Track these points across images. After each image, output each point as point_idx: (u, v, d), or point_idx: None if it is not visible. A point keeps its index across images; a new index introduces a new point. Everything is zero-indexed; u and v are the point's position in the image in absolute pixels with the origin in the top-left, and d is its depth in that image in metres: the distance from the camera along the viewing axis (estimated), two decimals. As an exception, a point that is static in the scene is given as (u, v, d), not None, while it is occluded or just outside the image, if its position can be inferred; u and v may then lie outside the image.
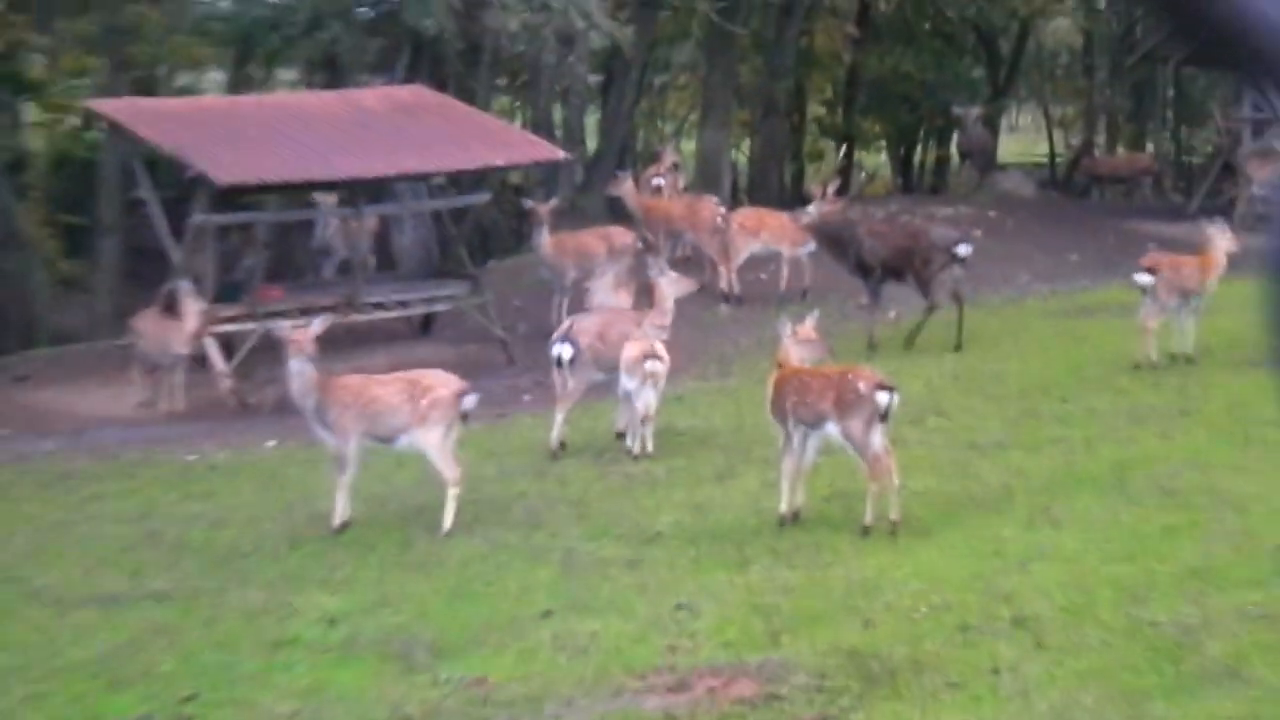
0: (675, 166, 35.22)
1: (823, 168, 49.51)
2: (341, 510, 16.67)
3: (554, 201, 28.75)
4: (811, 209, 26.47)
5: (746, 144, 46.04)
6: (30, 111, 43.20)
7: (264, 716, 11.81)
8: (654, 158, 34.87)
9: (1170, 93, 49.59)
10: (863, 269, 25.66)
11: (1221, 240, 22.01)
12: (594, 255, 27.15)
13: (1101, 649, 11.44)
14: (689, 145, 45.92)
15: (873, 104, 49.13)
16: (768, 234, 29.40)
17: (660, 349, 19.14)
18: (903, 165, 51.00)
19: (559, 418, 19.68)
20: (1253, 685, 10.46)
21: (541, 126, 37.61)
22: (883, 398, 15.15)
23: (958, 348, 24.38)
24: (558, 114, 41.06)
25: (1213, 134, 44.92)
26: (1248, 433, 17.52)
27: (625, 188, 31.79)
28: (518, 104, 43.48)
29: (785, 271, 29.43)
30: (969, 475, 17.14)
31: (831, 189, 27.87)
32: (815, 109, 50.63)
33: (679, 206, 31.40)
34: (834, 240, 25.99)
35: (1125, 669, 10.96)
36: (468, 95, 34.55)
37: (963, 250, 25.05)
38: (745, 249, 29.41)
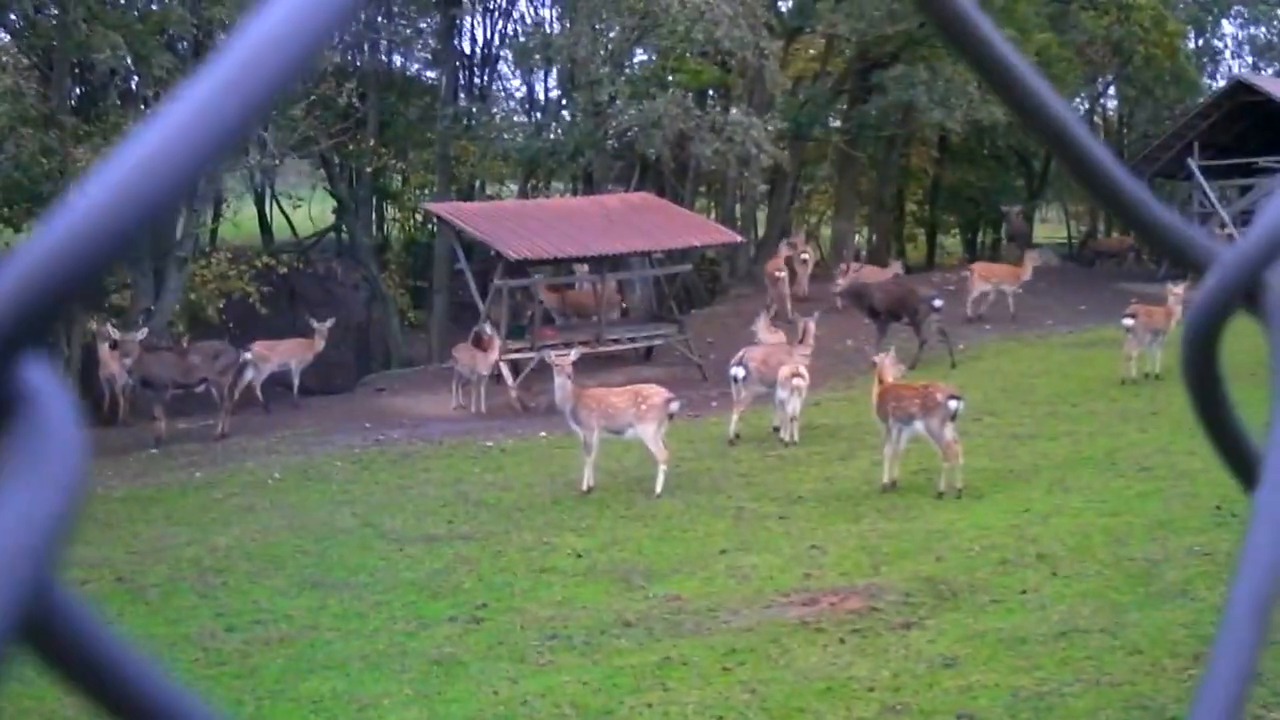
0: (806, 239, 35.37)
1: (916, 247, 49.64)
2: (587, 479, 16.70)
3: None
4: (841, 280, 26.68)
5: (865, 230, 45.77)
6: (390, 211, 43.85)
7: (532, 618, 11.87)
8: (795, 242, 34.57)
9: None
10: (873, 314, 25.80)
11: (1178, 296, 22.27)
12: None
13: (1096, 576, 11.62)
14: (826, 231, 45.79)
15: (949, 203, 49.01)
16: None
17: (804, 369, 19.02)
18: (968, 245, 50.98)
19: (735, 417, 19.56)
20: (1198, 601, 10.58)
21: (727, 219, 37.43)
22: (953, 404, 15.19)
23: (953, 366, 24.13)
24: (738, 210, 40.85)
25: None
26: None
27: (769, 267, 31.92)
28: (712, 204, 43.29)
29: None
30: (1010, 456, 17.10)
31: (854, 267, 28.07)
32: (910, 206, 50.40)
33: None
34: (856, 295, 26.33)
35: (1111, 589, 11.06)
36: (678, 198, 34.53)
37: (938, 303, 25.43)
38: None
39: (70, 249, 0.47)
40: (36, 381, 0.49)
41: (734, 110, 33.53)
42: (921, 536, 13.46)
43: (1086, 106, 47.76)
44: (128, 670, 0.54)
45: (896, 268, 31.65)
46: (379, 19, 38.38)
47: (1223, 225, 32.92)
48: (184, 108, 0.49)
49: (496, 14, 42.44)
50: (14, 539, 0.45)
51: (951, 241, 52.93)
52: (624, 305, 28.95)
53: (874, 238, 44.32)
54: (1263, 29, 51.88)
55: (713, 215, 38.67)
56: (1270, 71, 46.57)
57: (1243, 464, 0.90)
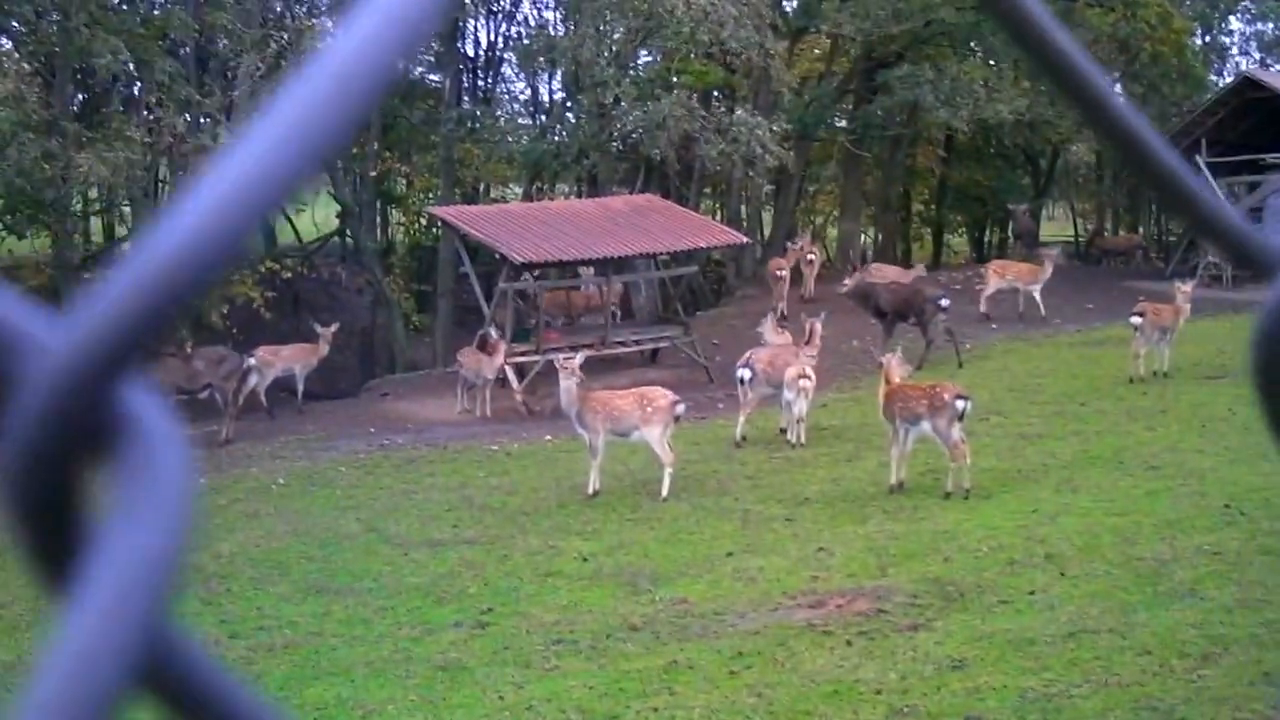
0: (813, 240, 35.37)
1: (922, 246, 49.63)
2: (593, 483, 16.69)
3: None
4: (848, 281, 26.57)
5: (871, 230, 45.77)
6: (395, 216, 43.86)
7: (537, 623, 11.85)
8: (800, 243, 34.46)
9: (1154, 193, 49.09)
10: (879, 315, 25.78)
11: (1186, 294, 22.38)
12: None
13: (1104, 576, 11.60)
14: (832, 232, 45.75)
15: (955, 202, 48.97)
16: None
17: (810, 371, 19.00)
18: (975, 244, 50.90)
19: (741, 419, 19.55)
20: (1207, 601, 10.59)
21: (732, 220, 37.41)
22: (960, 404, 15.19)
23: (960, 365, 24.15)
24: (744, 211, 40.84)
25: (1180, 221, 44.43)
26: (1205, 425, 17.66)
27: (771, 266, 31.99)
28: (717, 205, 43.25)
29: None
30: (1018, 456, 17.08)
31: (874, 268, 27.99)
32: (917, 206, 50.36)
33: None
34: (862, 296, 26.12)
35: (1119, 589, 11.03)
36: (683, 200, 34.56)
37: (944, 303, 25.40)
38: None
39: (175, 264, 0.45)
40: (141, 406, 0.47)
41: (739, 111, 33.51)
42: (929, 538, 13.43)
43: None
44: (241, 712, 0.53)
45: (919, 270, 31.54)
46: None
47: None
48: (280, 121, 0.47)
49: (500, 16, 42.42)
50: (128, 578, 0.44)
51: (958, 241, 52.90)
52: (613, 306, 28.78)
53: (880, 238, 44.30)
54: (1270, 25, 51.78)
55: (718, 216, 38.60)
56: (1278, 68, 46.44)
57: None
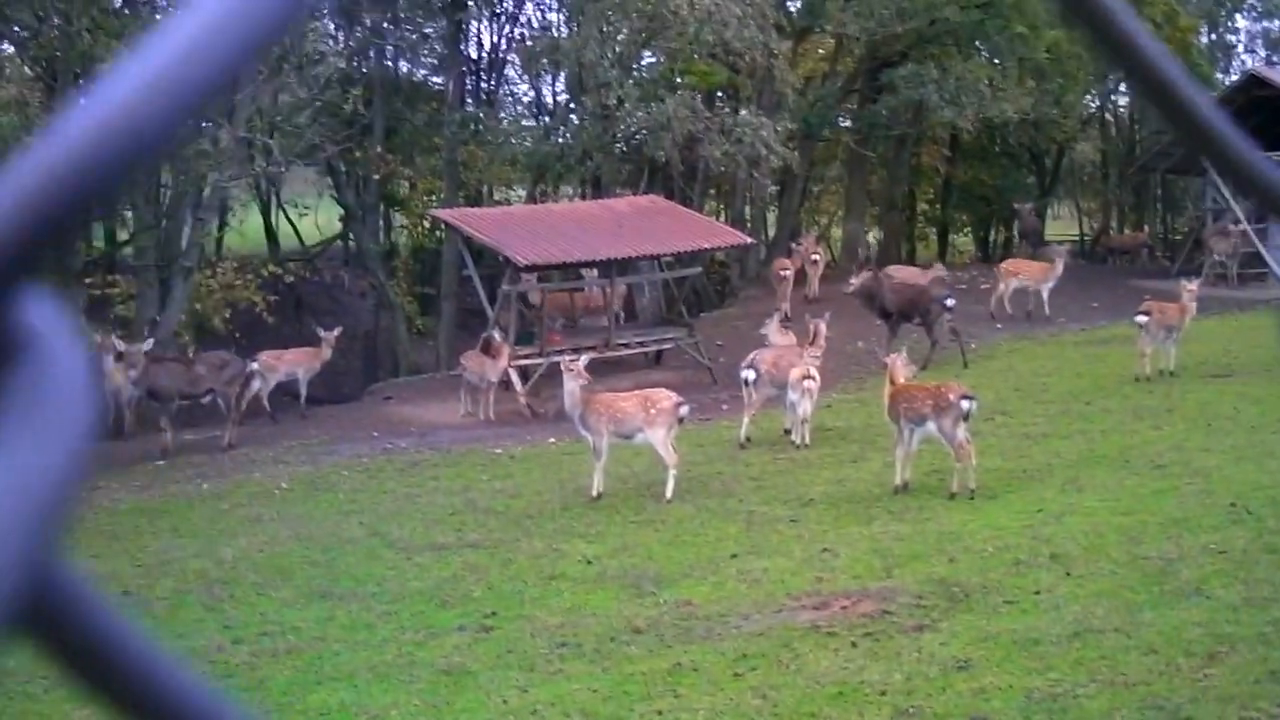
0: (817, 241, 35.42)
1: (927, 245, 49.62)
2: (597, 485, 16.70)
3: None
4: (854, 280, 26.45)
5: (876, 230, 45.79)
6: (398, 218, 43.87)
7: (541, 626, 11.86)
8: (804, 244, 34.45)
9: (1159, 191, 49.63)
10: (884, 315, 25.76)
11: (1192, 292, 22.37)
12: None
13: (1110, 575, 11.59)
14: (836, 232, 45.79)
15: (960, 202, 49.00)
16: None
17: (815, 372, 19.01)
18: (980, 244, 50.94)
19: (746, 420, 19.56)
20: (1213, 600, 10.55)
21: (736, 221, 37.44)
22: (965, 404, 15.18)
23: (965, 365, 24.16)
24: (748, 212, 40.86)
25: (1187, 219, 44.70)
26: (1211, 424, 17.60)
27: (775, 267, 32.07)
28: (721, 206, 43.23)
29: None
30: (1023, 456, 17.09)
31: (865, 266, 27.89)
32: (921, 206, 50.39)
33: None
34: (868, 296, 25.96)
35: (1125, 589, 11.03)
36: (686, 201, 34.56)
37: (950, 302, 25.33)
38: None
39: (76, 167, 0.43)
40: (40, 320, 0.44)
41: (743, 111, 33.57)
42: (934, 538, 13.43)
43: (1098, 104, 47.74)
44: (135, 659, 0.49)
45: (938, 269, 31.48)
46: (385, 24, 38.45)
47: (1236, 221, 32.87)
48: (183, 38, 0.47)
49: (503, 18, 42.42)
50: (10, 506, 0.40)
51: (963, 240, 52.92)
52: (616, 308, 28.77)
53: (884, 237, 44.30)
54: (1276, 22, 51.78)
55: (722, 217, 38.60)
56: (1284, 65, 46.47)
57: None
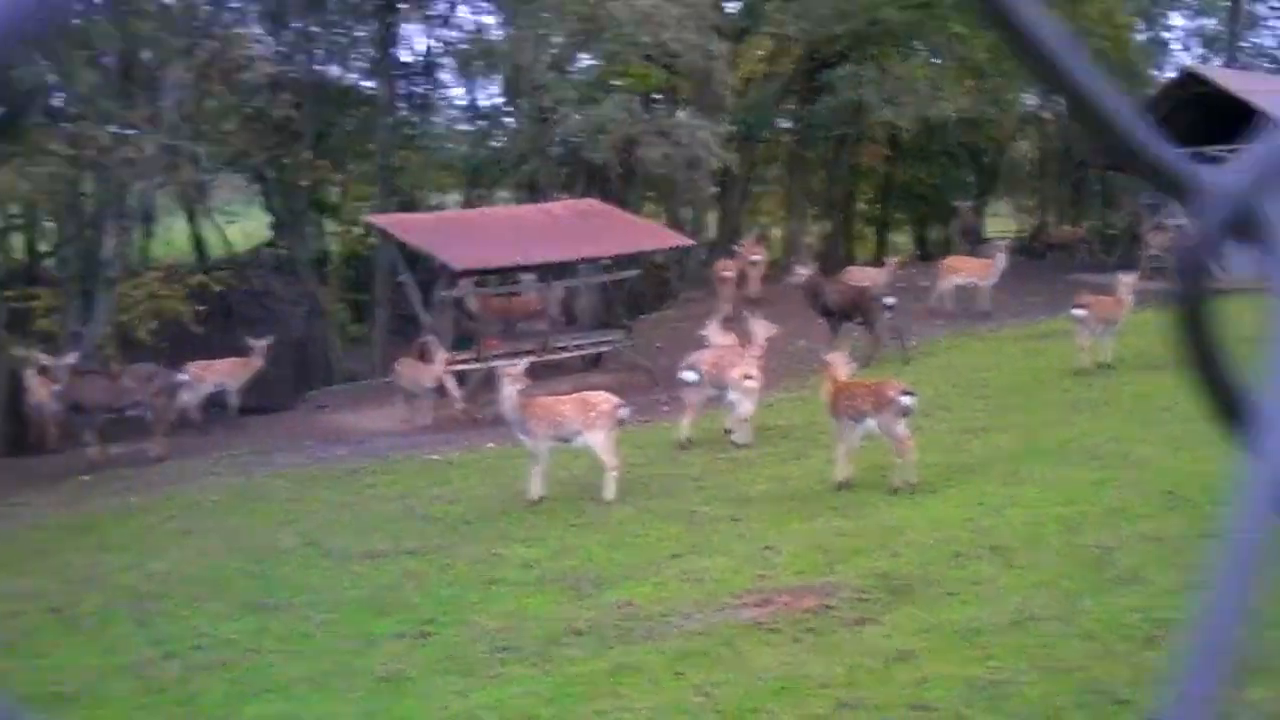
0: (757, 241, 35.53)
1: (866, 245, 49.99)
2: (537, 489, 16.71)
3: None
4: (801, 270, 26.79)
5: (816, 229, 46.08)
6: (329, 225, 43.72)
7: (480, 631, 11.88)
8: (745, 245, 34.56)
9: (1097, 188, 50.19)
10: (826, 313, 26.03)
11: (1129, 286, 22.64)
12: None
13: (1049, 565, 11.78)
14: (777, 233, 46.00)
15: (900, 201, 49.45)
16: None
17: (755, 371, 19.11)
18: (920, 242, 51.43)
19: (686, 421, 19.62)
20: (1150, 585, 10.77)
21: (676, 223, 37.61)
22: (906, 400, 15.31)
23: (906, 362, 24.30)
24: (688, 214, 40.98)
25: (1125, 214, 45.31)
26: (1147, 416, 17.84)
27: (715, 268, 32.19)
28: (660, 208, 43.37)
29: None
30: (963, 450, 17.29)
31: (810, 265, 28.06)
32: (861, 205, 50.80)
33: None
34: (811, 293, 26.21)
35: (1064, 577, 11.21)
36: (625, 204, 34.66)
37: (890, 302, 25.63)
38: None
39: None
40: None
41: (681, 113, 33.69)
42: (875, 533, 13.56)
43: (1036, 102, 48.25)
44: None
45: (893, 266, 31.71)
46: (314, 29, 38.30)
47: (1173, 216, 33.27)
48: None
49: (436, 21, 42.34)
50: None
51: (902, 239, 53.38)
52: (555, 312, 28.81)
53: (825, 237, 44.55)
54: (1212, 20, 52.51)
55: (662, 220, 38.73)
56: (1218, 62, 47.09)
57: (1229, 404, 0.94)
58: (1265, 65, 50.13)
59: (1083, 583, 11.00)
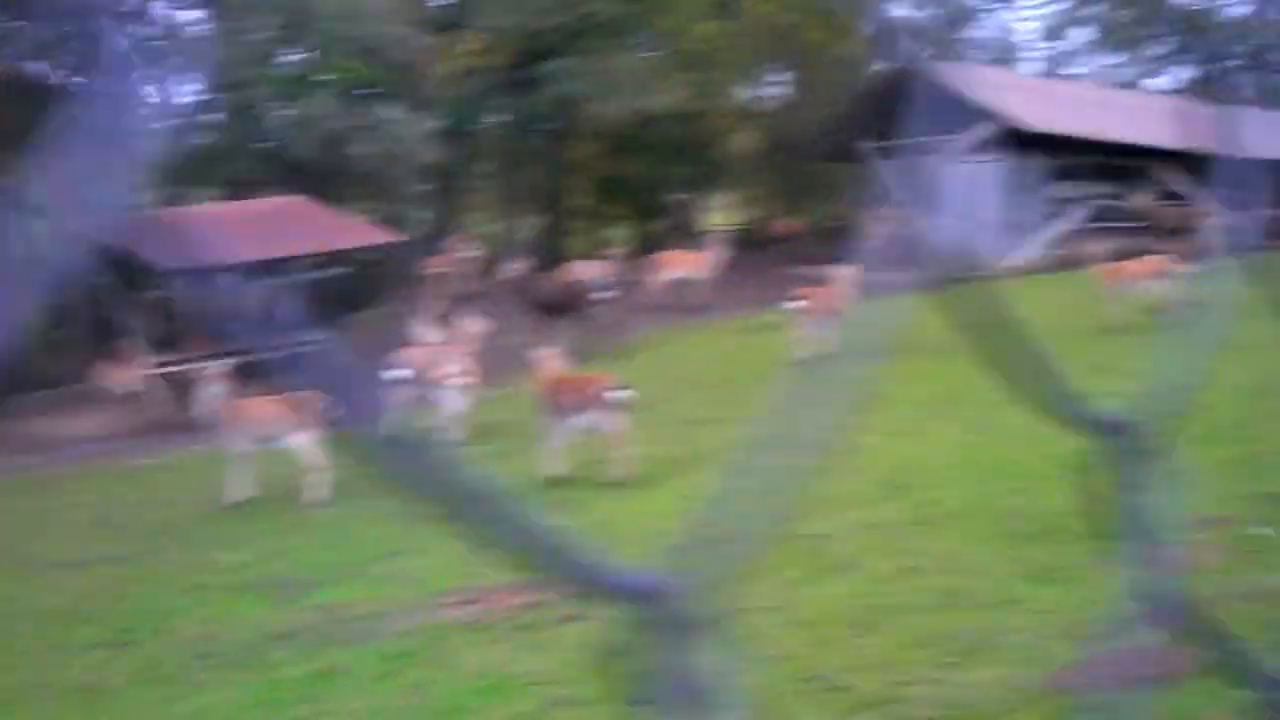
0: (470, 237, 35.61)
1: (581, 240, 50.28)
2: (240, 491, 16.46)
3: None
4: (512, 266, 27.16)
5: (531, 224, 46.21)
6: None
7: (181, 638, 11.62)
8: (455, 242, 34.55)
9: (815, 180, 51.32)
10: (539, 308, 26.37)
11: (845, 277, 23.17)
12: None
13: (768, 554, 11.73)
14: (491, 228, 45.97)
15: (616, 195, 49.75)
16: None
17: (466, 367, 19.11)
18: (636, 236, 51.91)
19: (395, 419, 19.44)
20: (866, 572, 10.97)
21: (387, 220, 37.24)
22: (619, 394, 15.40)
23: (621, 357, 24.51)
24: (397, 211, 40.63)
25: (844, 206, 46.53)
26: (870, 404, 17.98)
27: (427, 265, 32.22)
28: (373, 206, 42.91)
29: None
30: (681, 443, 17.47)
31: (522, 261, 28.40)
32: (577, 199, 51.04)
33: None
34: (523, 289, 27.04)
35: (780, 567, 11.29)
36: (333, 201, 34.18)
37: (605, 295, 26.32)
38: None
39: None
40: None
41: (389, 109, 33.41)
42: (589, 528, 13.65)
43: (752, 95, 49.14)
44: None
45: (610, 262, 31.90)
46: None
47: (894, 207, 34.40)
48: None
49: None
50: None
51: (621, 234, 53.88)
52: (260, 311, 28.32)
53: (540, 232, 44.71)
54: (926, 11, 54.66)
55: (372, 217, 38.33)
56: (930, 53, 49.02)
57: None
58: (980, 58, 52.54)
59: (798, 571, 11.21)
